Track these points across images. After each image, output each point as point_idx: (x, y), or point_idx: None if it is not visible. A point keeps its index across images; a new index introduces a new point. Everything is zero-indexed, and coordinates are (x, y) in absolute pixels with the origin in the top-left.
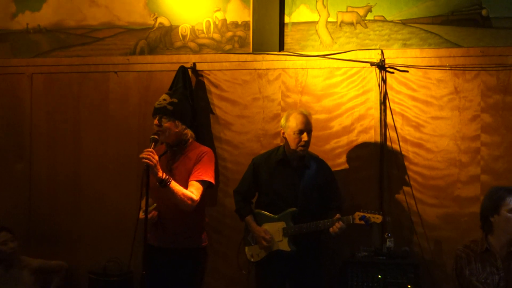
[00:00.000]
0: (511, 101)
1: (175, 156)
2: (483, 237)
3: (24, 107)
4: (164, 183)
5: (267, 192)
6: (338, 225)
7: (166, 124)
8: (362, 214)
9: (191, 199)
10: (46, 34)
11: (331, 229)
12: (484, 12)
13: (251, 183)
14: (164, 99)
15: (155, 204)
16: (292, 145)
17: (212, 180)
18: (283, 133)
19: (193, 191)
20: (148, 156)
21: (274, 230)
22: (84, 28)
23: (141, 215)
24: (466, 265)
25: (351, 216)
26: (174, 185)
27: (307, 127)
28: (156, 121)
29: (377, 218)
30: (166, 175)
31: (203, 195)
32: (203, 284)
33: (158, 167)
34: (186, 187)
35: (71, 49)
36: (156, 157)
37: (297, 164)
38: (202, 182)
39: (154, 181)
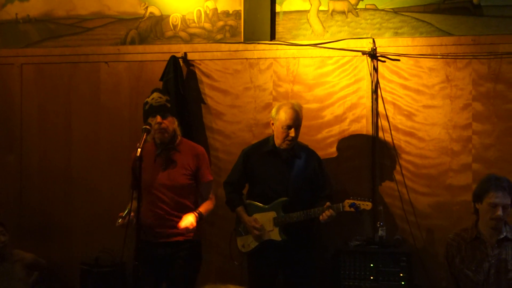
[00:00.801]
0: (502, 89)
1: (169, 153)
2: (473, 225)
3: (14, 98)
4: (201, 219)
5: (257, 183)
6: (328, 213)
7: (167, 121)
8: (352, 201)
9: (213, 203)
10: (36, 24)
11: (320, 217)
12: (475, 0)
13: (241, 173)
14: (160, 97)
15: (129, 208)
16: (279, 138)
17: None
18: (272, 124)
19: (211, 196)
20: (191, 227)
21: (265, 220)
22: (74, 18)
23: (119, 222)
24: (457, 253)
25: (341, 204)
26: (205, 212)
27: (295, 122)
28: (159, 119)
29: (366, 205)
30: (197, 214)
31: (196, 190)
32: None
33: (196, 220)
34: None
35: (61, 39)
36: (194, 224)
37: (287, 154)
38: (211, 181)
39: (149, 177)
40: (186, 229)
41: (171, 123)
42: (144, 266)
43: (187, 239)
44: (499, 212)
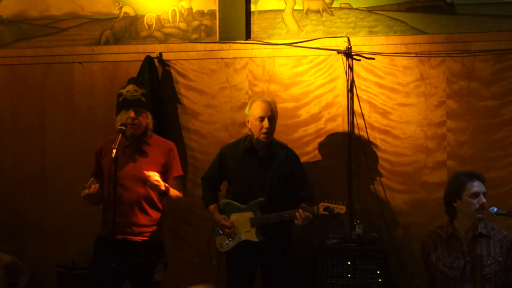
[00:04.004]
0: (475, 87)
1: (140, 147)
2: (448, 222)
3: None
4: (166, 193)
5: (234, 181)
6: (302, 215)
7: (141, 117)
8: (326, 204)
9: (180, 197)
10: (8, 25)
11: (296, 221)
12: None
13: (216, 171)
14: (136, 90)
15: (92, 178)
16: (255, 132)
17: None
18: (248, 122)
19: (180, 190)
20: (157, 183)
21: (242, 220)
22: (48, 18)
23: (84, 192)
24: (433, 250)
25: (315, 206)
26: (172, 192)
27: (267, 113)
28: (133, 114)
29: (340, 208)
30: (166, 186)
31: None
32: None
33: (161, 182)
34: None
35: (34, 40)
36: (162, 182)
37: (264, 153)
38: (181, 177)
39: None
40: (150, 178)
41: (145, 119)
42: (105, 264)
43: (147, 240)
44: (483, 199)
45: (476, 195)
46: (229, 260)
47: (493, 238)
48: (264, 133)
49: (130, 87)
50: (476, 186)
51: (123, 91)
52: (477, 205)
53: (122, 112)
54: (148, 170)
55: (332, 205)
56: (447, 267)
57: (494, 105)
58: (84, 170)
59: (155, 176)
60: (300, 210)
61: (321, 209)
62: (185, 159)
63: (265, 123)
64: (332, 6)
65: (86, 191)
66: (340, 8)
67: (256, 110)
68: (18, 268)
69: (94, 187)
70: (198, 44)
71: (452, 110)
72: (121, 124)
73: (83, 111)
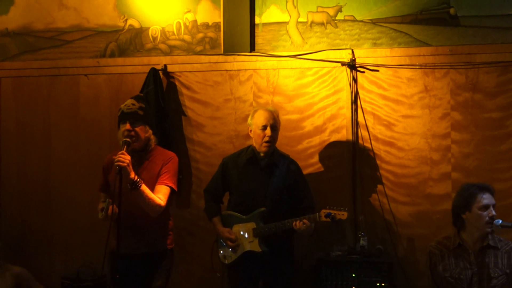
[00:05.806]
0: (479, 98)
1: (141, 161)
2: (455, 233)
3: None
4: (136, 185)
5: (236, 192)
6: (301, 223)
7: (137, 129)
8: (328, 211)
9: (159, 205)
10: (14, 37)
11: (293, 225)
12: (452, 11)
13: (219, 182)
14: (133, 104)
15: (108, 200)
16: (258, 141)
17: (176, 187)
18: (250, 131)
19: (161, 197)
20: (120, 158)
21: (244, 231)
22: (53, 31)
23: (103, 214)
24: (440, 261)
25: (317, 214)
26: (145, 189)
27: (270, 122)
28: (128, 126)
29: (342, 214)
30: (137, 177)
31: (168, 200)
32: (168, 286)
33: (131, 168)
34: (152, 191)
35: (40, 52)
36: (129, 158)
37: (266, 163)
38: (168, 188)
39: (123, 185)
40: (115, 157)
41: (143, 132)
42: (118, 279)
43: (155, 251)
44: (493, 212)
45: (486, 207)
46: (231, 272)
47: (500, 249)
48: (266, 142)
49: (129, 101)
50: (486, 199)
51: (122, 105)
52: (487, 218)
53: (120, 125)
54: (147, 184)
55: (333, 212)
56: (454, 278)
57: (499, 117)
58: (89, 181)
59: (125, 159)
60: (298, 220)
61: (323, 216)
62: (190, 171)
63: (268, 131)
64: (336, 18)
65: (104, 213)
66: (344, 21)
67: (258, 119)
68: (29, 280)
69: (112, 210)
70: (202, 56)
71: (457, 122)
72: (125, 136)
73: (88, 122)
